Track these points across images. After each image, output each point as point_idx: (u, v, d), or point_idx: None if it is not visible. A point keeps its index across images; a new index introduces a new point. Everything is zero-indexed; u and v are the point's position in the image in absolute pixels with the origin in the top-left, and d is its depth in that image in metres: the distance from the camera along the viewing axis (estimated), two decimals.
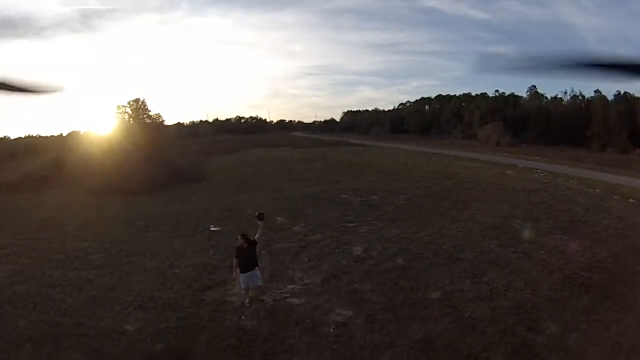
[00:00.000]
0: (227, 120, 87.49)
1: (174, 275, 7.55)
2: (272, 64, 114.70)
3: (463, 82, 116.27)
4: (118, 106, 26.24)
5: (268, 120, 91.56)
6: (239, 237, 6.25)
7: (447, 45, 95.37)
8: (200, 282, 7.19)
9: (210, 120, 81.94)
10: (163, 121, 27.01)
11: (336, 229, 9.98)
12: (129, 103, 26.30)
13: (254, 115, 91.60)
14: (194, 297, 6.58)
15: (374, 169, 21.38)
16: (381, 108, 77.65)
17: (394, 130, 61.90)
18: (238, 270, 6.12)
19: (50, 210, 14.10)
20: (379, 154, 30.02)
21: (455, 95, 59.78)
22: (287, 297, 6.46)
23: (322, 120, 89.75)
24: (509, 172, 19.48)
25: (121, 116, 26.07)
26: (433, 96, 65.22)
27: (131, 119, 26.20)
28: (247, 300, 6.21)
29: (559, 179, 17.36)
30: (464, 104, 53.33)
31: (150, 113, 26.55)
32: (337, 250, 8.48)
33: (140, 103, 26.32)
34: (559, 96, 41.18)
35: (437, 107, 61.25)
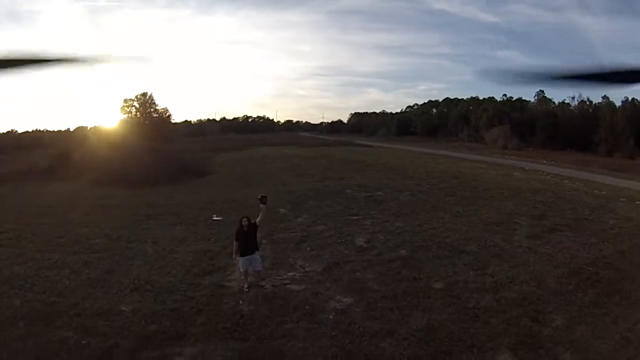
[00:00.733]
0: (234, 119, 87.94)
1: (174, 260, 7.51)
2: (279, 63, 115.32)
3: (471, 85, 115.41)
4: (125, 100, 26.51)
5: (275, 120, 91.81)
6: (241, 219, 6.19)
7: (455, 48, 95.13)
8: (200, 267, 7.14)
9: (218, 119, 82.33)
10: (170, 115, 27.17)
11: (339, 221, 9.90)
12: (136, 97, 26.57)
13: (261, 115, 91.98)
14: (192, 281, 6.52)
15: (380, 167, 21.25)
16: (389, 110, 77.59)
17: (401, 132, 61.83)
18: (238, 254, 6.06)
19: (53, 199, 14.18)
20: (384, 154, 29.88)
21: (462, 98, 59.59)
22: (287, 284, 6.37)
23: (329, 121, 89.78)
24: (515, 173, 19.26)
25: (128, 110, 26.28)
26: (441, 99, 65.10)
27: (138, 113, 26.39)
28: (245, 286, 6.15)
29: (566, 181, 17.12)
30: (471, 107, 53.02)
31: (157, 107, 26.75)
32: (340, 241, 8.39)
33: (147, 97, 26.54)
34: (566, 101, 40.76)
35: (445, 110, 61.04)
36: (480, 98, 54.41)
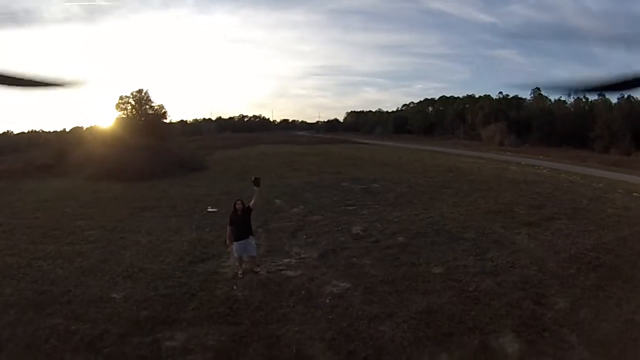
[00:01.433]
0: (230, 118, 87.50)
1: (167, 249, 7.35)
2: (278, 63, 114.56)
3: (468, 85, 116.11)
4: (121, 97, 26.19)
5: (272, 119, 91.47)
6: (235, 203, 6.05)
7: (453, 48, 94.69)
8: (194, 255, 6.98)
9: (214, 118, 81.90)
10: (165, 112, 26.86)
11: (335, 211, 9.78)
12: (132, 94, 26.25)
13: (257, 114, 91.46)
14: (185, 268, 6.37)
15: (376, 162, 21.18)
16: (385, 109, 77.50)
17: (397, 130, 61.76)
18: (232, 239, 5.91)
19: (49, 194, 14.03)
20: (381, 150, 29.87)
21: (459, 97, 59.61)
22: (282, 270, 6.23)
23: (326, 120, 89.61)
24: (511, 167, 19.27)
25: (123, 107, 25.99)
26: (437, 98, 65.08)
27: (134, 110, 26.11)
28: (240, 272, 6.00)
29: (562, 174, 17.13)
30: (467, 105, 53.06)
31: (153, 104, 26.45)
32: (336, 229, 8.26)
33: (143, 94, 26.25)
34: (562, 98, 40.86)
35: (441, 108, 61.04)
36: (477, 96, 54.59)
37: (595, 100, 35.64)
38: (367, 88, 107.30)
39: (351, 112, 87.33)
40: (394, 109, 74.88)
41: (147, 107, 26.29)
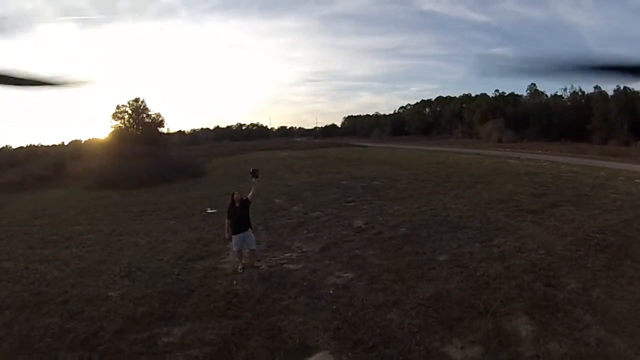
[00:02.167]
0: (228, 127, 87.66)
1: (166, 249, 7.19)
2: (272, 70, 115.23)
3: (463, 84, 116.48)
4: (118, 106, 26.22)
5: (269, 127, 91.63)
6: (232, 193, 5.92)
7: (446, 48, 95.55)
8: (193, 253, 6.83)
9: (211, 127, 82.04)
10: (162, 120, 26.86)
11: (336, 207, 9.64)
12: (129, 103, 26.28)
13: (255, 122, 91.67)
14: (184, 266, 6.21)
15: (375, 161, 21.13)
16: (382, 113, 77.67)
17: (395, 132, 61.92)
18: (231, 232, 5.77)
19: (47, 203, 13.96)
20: (379, 152, 29.85)
21: (455, 96, 59.84)
22: (284, 264, 6.06)
23: (323, 125, 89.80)
24: (511, 161, 19.18)
25: (120, 115, 25.99)
26: (433, 99, 65.30)
27: (131, 119, 26.11)
28: (240, 267, 5.84)
29: (562, 166, 17.04)
30: (464, 104, 53.24)
31: (149, 113, 26.46)
32: (337, 224, 8.12)
33: (140, 102, 26.28)
34: (558, 93, 41.01)
35: (438, 109, 61.23)
36: (473, 95, 54.80)
37: (591, 93, 35.82)
38: (362, 92, 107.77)
39: (348, 116, 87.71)
40: (391, 112, 75.08)
41: (144, 115, 26.29)
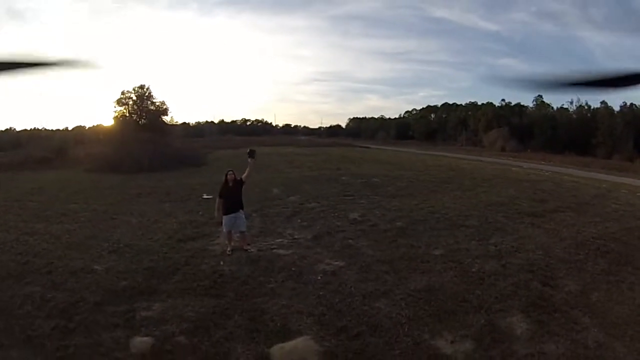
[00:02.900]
0: (232, 122, 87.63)
1: (158, 229, 7.11)
2: (280, 68, 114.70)
3: (470, 93, 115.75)
4: (123, 92, 26.11)
5: (274, 124, 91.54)
6: (227, 173, 5.81)
7: (455, 56, 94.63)
8: (183, 233, 6.73)
9: (216, 121, 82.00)
10: (167, 109, 26.72)
11: (333, 200, 9.49)
12: (133, 89, 26.16)
13: (259, 119, 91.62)
14: (173, 245, 6.12)
15: (377, 161, 20.97)
16: (387, 116, 77.42)
17: (400, 136, 61.67)
18: (222, 212, 5.65)
19: (46, 182, 13.95)
20: (382, 153, 29.69)
21: (461, 104, 59.54)
22: (274, 249, 5.93)
23: (328, 125, 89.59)
24: (513, 169, 18.99)
25: (125, 102, 25.89)
26: (439, 105, 65.00)
27: (135, 105, 26.01)
28: (229, 249, 5.71)
29: (565, 176, 16.82)
30: (470, 112, 52.96)
31: (154, 100, 26.35)
32: (333, 215, 7.97)
33: (145, 89, 26.19)
34: (564, 106, 40.72)
35: (444, 115, 60.98)
36: (479, 104, 54.49)
37: (597, 108, 35.57)
38: (369, 95, 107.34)
39: (353, 118, 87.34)
40: (397, 116, 74.82)
41: (149, 102, 26.20)
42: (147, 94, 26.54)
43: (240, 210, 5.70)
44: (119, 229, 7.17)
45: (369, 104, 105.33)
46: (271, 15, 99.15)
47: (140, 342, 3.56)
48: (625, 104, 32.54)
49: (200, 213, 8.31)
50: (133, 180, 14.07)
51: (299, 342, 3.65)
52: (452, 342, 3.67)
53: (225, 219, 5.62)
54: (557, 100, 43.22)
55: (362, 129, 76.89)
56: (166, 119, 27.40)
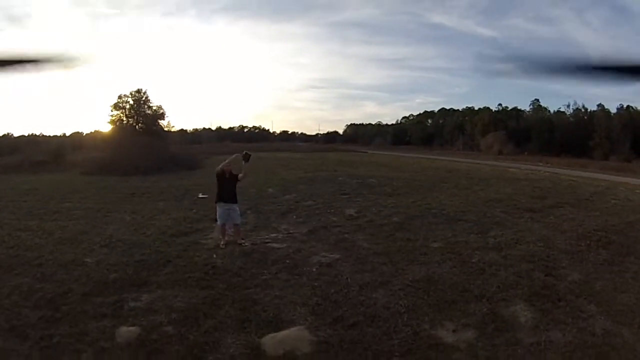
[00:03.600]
0: (230, 128, 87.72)
1: (151, 225, 6.96)
2: (277, 75, 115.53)
3: (467, 98, 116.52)
4: (120, 96, 26.14)
5: (271, 131, 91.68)
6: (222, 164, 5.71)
7: (452, 62, 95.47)
8: (177, 229, 6.58)
9: (214, 128, 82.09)
10: (163, 113, 26.74)
11: (329, 199, 9.37)
12: (130, 93, 26.20)
13: (257, 125, 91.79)
14: (165, 239, 5.98)
15: (374, 164, 20.95)
16: (384, 122, 77.74)
17: (397, 141, 61.89)
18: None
19: (41, 183, 13.81)
20: (379, 157, 29.67)
21: (458, 109, 59.95)
22: (268, 242, 5.80)
23: (325, 132, 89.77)
24: (511, 169, 18.98)
25: (122, 106, 25.89)
26: (436, 110, 65.40)
27: (132, 109, 25.99)
28: (222, 243, 5.57)
29: (563, 176, 16.81)
30: (466, 117, 53.30)
31: (151, 104, 26.37)
32: (329, 211, 7.85)
33: (142, 94, 26.20)
34: (561, 109, 41.07)
35: (440, 120, 61.32)
36: (476, 109, 54.85)
37: (594, 111, 35.86)
38: (366, 102, 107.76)
39: (350, 124, 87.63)
40: (394, 122, 75.14)
41: (146, 107, 26.19)
42: (144, 98, 26.58)
43: (235, 204, 5.59)
44: (112, 225, 7.03)
45: (366, 111, 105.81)
46: (270, 22, 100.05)
47: (127, 331, 3.40)
48: (622, 106, 32.88)
49: (194, 211, 8.17)
50: (128, 181, 13.93)
51: (292, 332, 3.49)
52: (454, 331, 3.52)
53: (219, 210, 5.53)
54: (553, 103, 43.62)
55: (359, 135, 77.11)
56: (163, 123, 27.41)
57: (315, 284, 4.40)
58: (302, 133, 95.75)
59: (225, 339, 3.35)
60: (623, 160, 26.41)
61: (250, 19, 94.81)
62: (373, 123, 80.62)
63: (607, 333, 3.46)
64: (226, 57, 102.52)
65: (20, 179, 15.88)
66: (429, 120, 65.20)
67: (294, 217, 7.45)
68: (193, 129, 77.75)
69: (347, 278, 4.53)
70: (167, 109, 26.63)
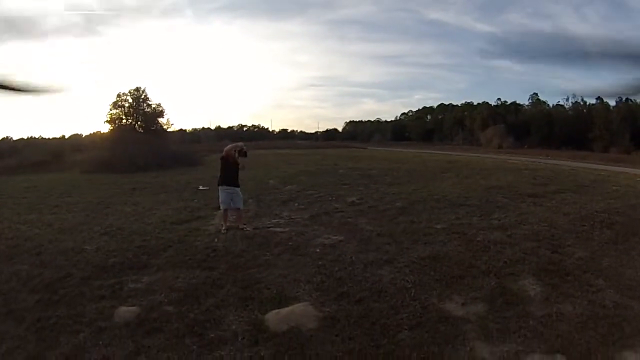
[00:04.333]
0: (229, 127, 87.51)
1: (152, 215, 6.90)
2: (276, 74, 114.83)
3: (466, 94, 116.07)
4: (118, 94, 26.01)
5: (270, 129, 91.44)
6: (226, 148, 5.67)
7: (451, 58, 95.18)
8: (178, 217, 6.53)
9: (213, 127, 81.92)
10: (162, 111, 26.61)
11: (330, 188, 9.32)
12: (129, 92, 26.07)
13: (256, 124, 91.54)
14: (166, 227, 5.92)
15: (374, 158, 20.89)
16: (383, 119, 77.56)
17: (396, 137, 61.76)
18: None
19: (40, 182, 13.71)
20: (379, 152, 29.62)
21: (457, 104, 59.82)
22: (270, 227, 5.75)
23: (324, 130, 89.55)
24: (511, 160, 18.94)
25: (121, 104, 25.76)
26: (435, 106, 65.25)
27: (131, 108, 25.87)
28: (224, 228, 5.53)
29: (563, 166, 16.77)
30: (465, 112, 53.20)
31: (150, 102, 26.25)
32: (330, 199, 7.80)
33: (141, 92, 26.08)
34: (560, 103, 41.00)
35: (439, 116, 61.21)
36: (475, 104, 54.76)
37: (593, 104, 35.80)
38: (365, 99, 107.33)
39: (350, 121, 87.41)
40: (393, 119, 74.97)
41: (145, 105, 26.07)
42: (142, 97, 26.45)
43: (237, 188, 5.54)
44: (112, 216, 6.98)
45: (365, 108, 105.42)
46: (267, 21, 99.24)
47: (125, 311, 3.34)
48: (621, 99, 32.81)
49: (195, 201, 8.12)
50: (128, 177, 13.89)
51: (297, 308, 3.43)
52: (463, 304, 3.48)
53: (222, 194, 5.50)
54: (552, 97, 43.47)
55: (358, 132, 76.94)
56: (162, 121, 27.29)
57: (320, 262, 4.35)
58: (301, 131, 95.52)
59: (227, 317, 3.29)
60: (623, 152, 26.38)
61: (247, 18, 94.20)
62: (372, 120, 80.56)
63: (617, 305, 3.41)
64: (224, 57, 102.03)
65: (20, 178, 15.83)
66: (428, 116, 65.05)
67: (296, 204, 7.40)
68: (192, 129, 77.64)
69: (351, 257, 4.48)
70: (166, 108, 26.50)
